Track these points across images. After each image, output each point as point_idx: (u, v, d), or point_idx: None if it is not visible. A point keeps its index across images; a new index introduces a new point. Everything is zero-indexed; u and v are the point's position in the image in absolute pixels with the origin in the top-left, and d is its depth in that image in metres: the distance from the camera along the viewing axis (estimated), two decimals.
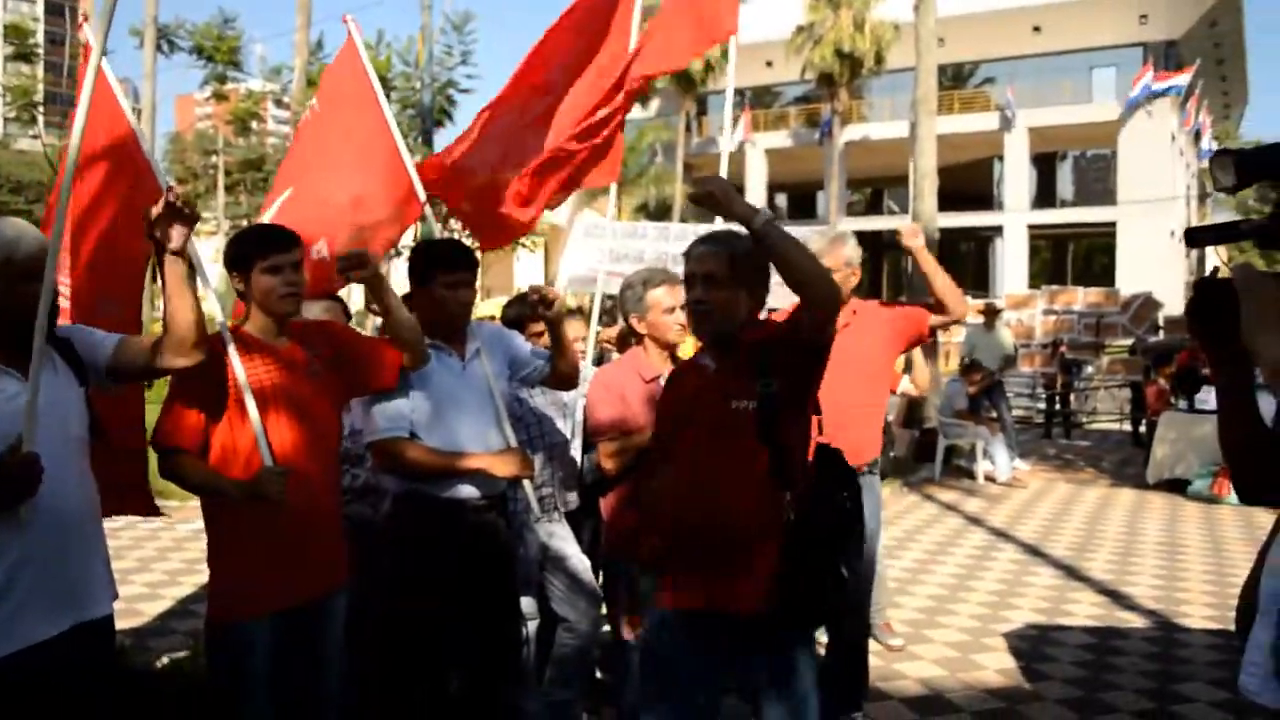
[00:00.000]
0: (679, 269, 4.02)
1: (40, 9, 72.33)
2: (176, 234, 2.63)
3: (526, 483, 3.65)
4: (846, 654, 4.37)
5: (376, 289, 3.26)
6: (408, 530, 3.44)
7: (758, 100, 44.35)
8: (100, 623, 2.69)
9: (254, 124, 34.19)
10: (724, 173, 4.21)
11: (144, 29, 20.85)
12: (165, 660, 4.96)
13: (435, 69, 17.24)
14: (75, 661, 2.59)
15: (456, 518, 3.42)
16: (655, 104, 41.81)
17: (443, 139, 18.02)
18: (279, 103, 34.34)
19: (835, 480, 2.75)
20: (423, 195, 4.05)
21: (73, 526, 2.58)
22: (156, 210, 2.58)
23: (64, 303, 3.28)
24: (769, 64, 39.51)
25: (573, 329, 4.75)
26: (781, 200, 47.20)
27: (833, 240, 4.27)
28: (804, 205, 45.98)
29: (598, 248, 5.15)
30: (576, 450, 4.23)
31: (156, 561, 7.15)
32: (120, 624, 5.39)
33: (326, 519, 3.12)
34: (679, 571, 2.82)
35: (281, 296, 3.03)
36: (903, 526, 8.93)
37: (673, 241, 6.64)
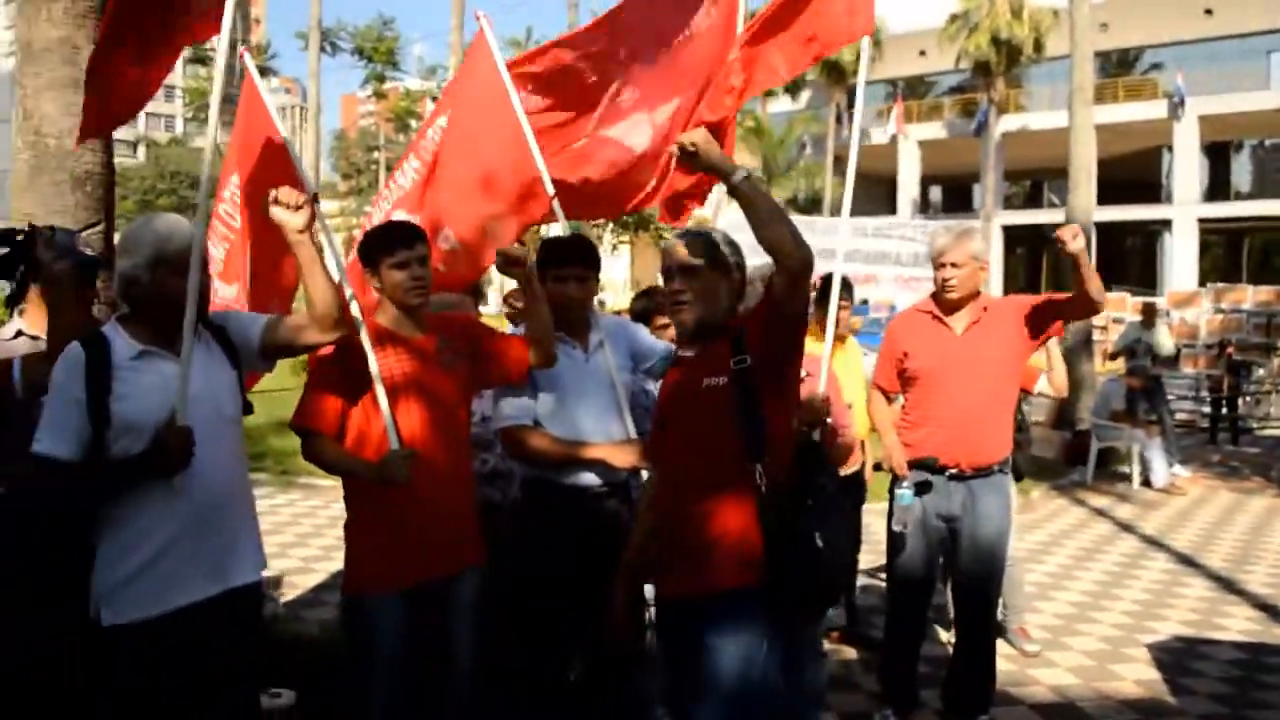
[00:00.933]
0: (838, 264, 4.03)
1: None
2: (297, 217, 2.81)
3: (645, 472, 3.73)
4: (971, 656, 4.31)
5: (528, 287, 3.40)
6: (532, 515, 3.57)
7: (910, 91, 43.41)
8: (247, 589, 2.90)
9: (412, 121, 35.45)
10: (852, 169, 4.19)
11: (309, 32, 21.87)
12: (316, 631, 5.26)
13: None
14: (224, 625, 2.81)
15: (578, 504, 3.53)
16: (805, 96, 41.42)
17: None
18: (435, 100, 35.46)
19: (815, 465, 2.78)
20: (551, 190, 4.16)
21: (223, 499, 2.79)
22: (279, 195, 2.79)
23: (216, 298, 3.54)
24: (922, 53, 38.65)
25: None
26: (936, 193, 46.11)
27: (958, 235, 4.21)
28: (959, 198, 44.79)
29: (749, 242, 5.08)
30: None
31: (312, 537, 7.57)
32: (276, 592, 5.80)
33: (455, 502, 3.26)
34: (666, 562, 2.85)
35: (408, 290, 3.19)
36: (1048, 530, 8.66)
37: (819, 235, 6.60)
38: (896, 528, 4.19)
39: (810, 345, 4.20)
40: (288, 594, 6.05)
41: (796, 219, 5.60)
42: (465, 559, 3.27)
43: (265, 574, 3.02)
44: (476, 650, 3.33)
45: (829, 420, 3.76)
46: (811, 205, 38.33)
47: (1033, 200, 45.29)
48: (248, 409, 3.00)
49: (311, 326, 2.89)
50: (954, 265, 4.17)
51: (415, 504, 3.08)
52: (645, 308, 4.44)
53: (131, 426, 2.62)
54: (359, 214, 44.28)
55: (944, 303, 4.25)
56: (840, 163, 38.65)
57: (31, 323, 3.20)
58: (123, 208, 50.62)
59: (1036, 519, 9.00)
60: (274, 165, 3.71)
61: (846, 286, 5.25)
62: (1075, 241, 3.95)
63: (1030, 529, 8.46)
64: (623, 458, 3.55)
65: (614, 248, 34.03)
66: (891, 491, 4.29)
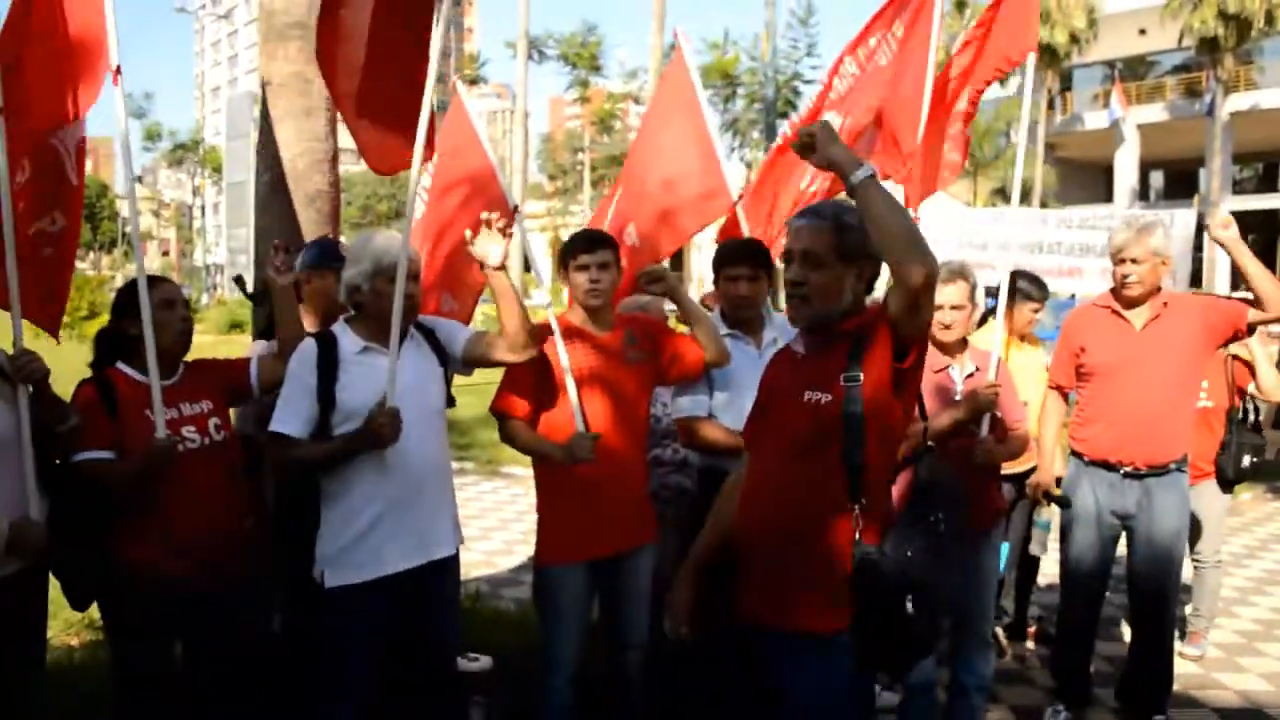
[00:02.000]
0: (1042, 258, 4.09)
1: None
2: (493, 253, 3.17)
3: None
4: (1146, 656, 4.28)
5: (678, 300, 3.68)
6: (706, 502, 3.82)
7: (1130, 72, 41.06)
8: (446, 561, 3.29)
9: (615, 123, 36.35)
10: (1019, 162, 4.25)
11: (517, 41, 22.86)
12: (513, 607, 5.71)
13: (781, 62, 17.64)
14: (426, 591, 3.22)
15: None
16: (1014, 81, 39.84)
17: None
18: (637, 102, 36.28)
19: (928, 503, 2.55)
20: (734, 195, 4.43)
21: (426, 478, 3.20)
22: (477, 234, 3.17)
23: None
24: (1142, 32, 36.50)
25: None
26: (1157, 178, 43.46)
27: (1140, 230, 4.16)
28: (1183, 183, 42.03)
29: (950, 235, 5.11)
30: None
31: (514, 522, 8.08)
32: (478, 572, 6.30)
33: (632, 485, 3.56)
34: (745, 576, 2.56)
35: (586, 292, 3.51)
36: (1256, 534, 8.21)
37: (1017, 227, 6.44)
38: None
39: (983, 340, 4.28)
40: (489, 573, 6.57)
41: (987, 211, 5.60)
42: (640, 537, 3.56)
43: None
44: (651, 622, 3.60)
45: (998, 413, 3.84)
46: (1021, 196, 36.90)
47: (1266, 184, 41.98)
48: (451, 402, 3.42)
49: (503, 346, 3.27)
50: (1134, 261, 4.13)
51: (597, 485, 3.39)
52: None
53: (352, 412, 3.06)
54: (564, 214, 45.87)
55: (1123, 298, 4.22)
56: (1052, 150, 37.10)
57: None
58: (347, 214, 54.14)
59: (1245, 522, 8.55)
60: (479, 183, 4.13)
61: (1038, 284, 5.25)
62: (1225, 230, 3.85)
63: (1238, 532, 8.07)
64: None
65: None
66: (1060, 500, 4.32)
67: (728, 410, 3.76)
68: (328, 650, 3.19)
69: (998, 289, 4.82)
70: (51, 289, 3.46)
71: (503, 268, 3.22)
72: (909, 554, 2.38)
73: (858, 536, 2.35)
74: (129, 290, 3.20)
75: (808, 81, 18.88)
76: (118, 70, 3.20)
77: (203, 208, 79.63)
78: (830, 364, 2.44)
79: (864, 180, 2.26)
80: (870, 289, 2.56)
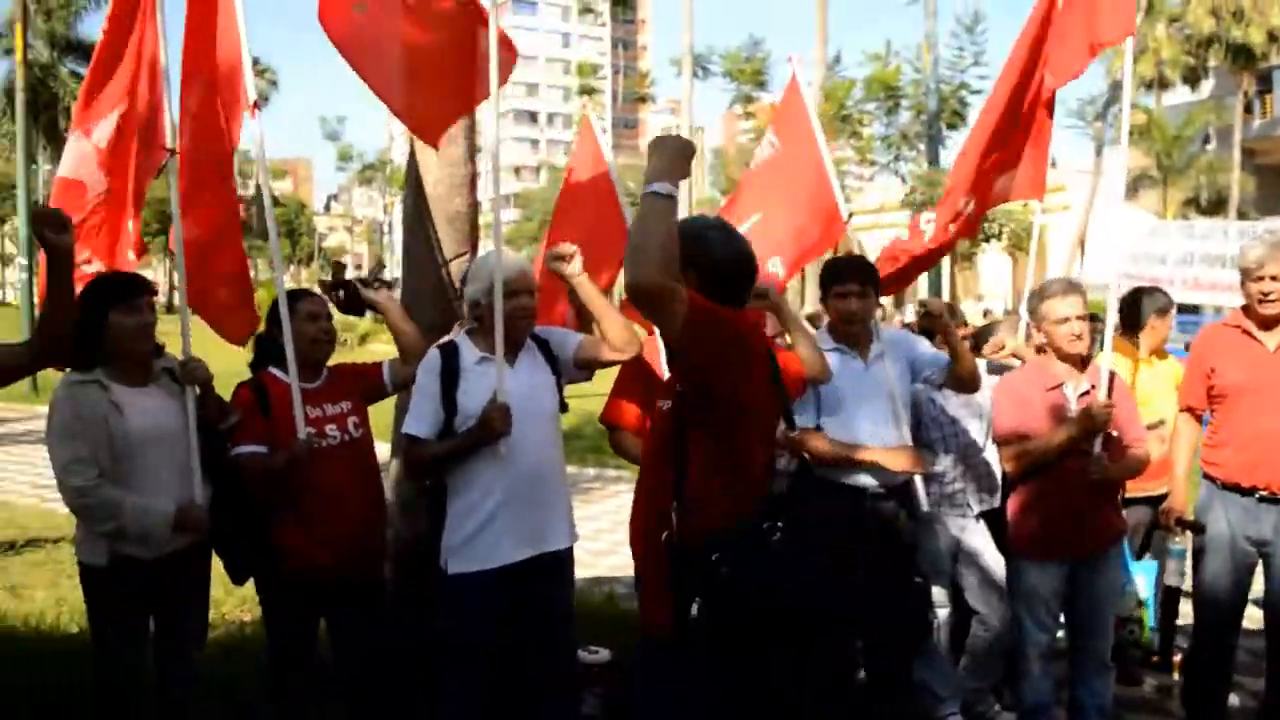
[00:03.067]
0: (1225, 272, 4.02)
1: (607, 44, 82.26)
2: (573, 265, 3.42)
3: (918, 478, 3.97)
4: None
5: (782, 316, 3.81)
6: (810, 510, 3.93)
7: None
8: (560, 554, 3.53)
9: None
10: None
11: (682, 58, 23.23)
12: (634, 605, 5.89)
13: (945, 72, 17.35)
14: (541, 582, 3.46)
15: (855, 502, 3.85)
16: (1207, 85, 37.69)
17: (956, 141, 18.03)
18: None
19: (729, 543, 2.51)
20: (845, 216, 4.54)
21: (540, 476, 3.45)
22: (560, 251, 3.43)
23: None
24: None
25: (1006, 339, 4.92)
26: None
27: (1276, 245, 4.04)
28: None
29: (1125, 248, 4.94)
30: (991, 452, 4.42)
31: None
32: (614, 574, 6.51)
33: None
34: None
35: None
36: None
37: (1200, 241, 6.12)
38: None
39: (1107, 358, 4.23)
40: (613, 573, 6.80)
41: (1176, 223, 5.40)
42: None
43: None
44: None
45: (1113, 432, 3.81)
46: (1216, 206, 34.82)
47: None
48: (564, 408, 3.66)
49: (608, 349, 3.50)
50: (1273, 278, 4.01)
51: None
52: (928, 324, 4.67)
53: (471, 415, 3.35)
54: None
55: (1258, 317, 4.09)
56: (1251, 155, 34.89)
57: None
58: (525, 229, 55.79)
59: None
60: (601, 204, 4.39)
61: (1165, 297, 5.12)
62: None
63: None
64: (897, 462, 3.83)
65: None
66: (1193, 525, 4.22)
67: (835, 422, 3.87)
68: (447, 637, 3.47)
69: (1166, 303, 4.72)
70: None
71: (583, 274, 3.44)
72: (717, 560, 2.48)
73: (672, 530, 2.59)
74: (292, 300, 3.62)
75: (975, 92, 18.40)
76: (255, 104, 3.63)
77: (390, 224, 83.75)
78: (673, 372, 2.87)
79: (644, 194, 2.37)
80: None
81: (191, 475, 3.35)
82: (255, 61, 4.07)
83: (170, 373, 3.43)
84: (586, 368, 3.64)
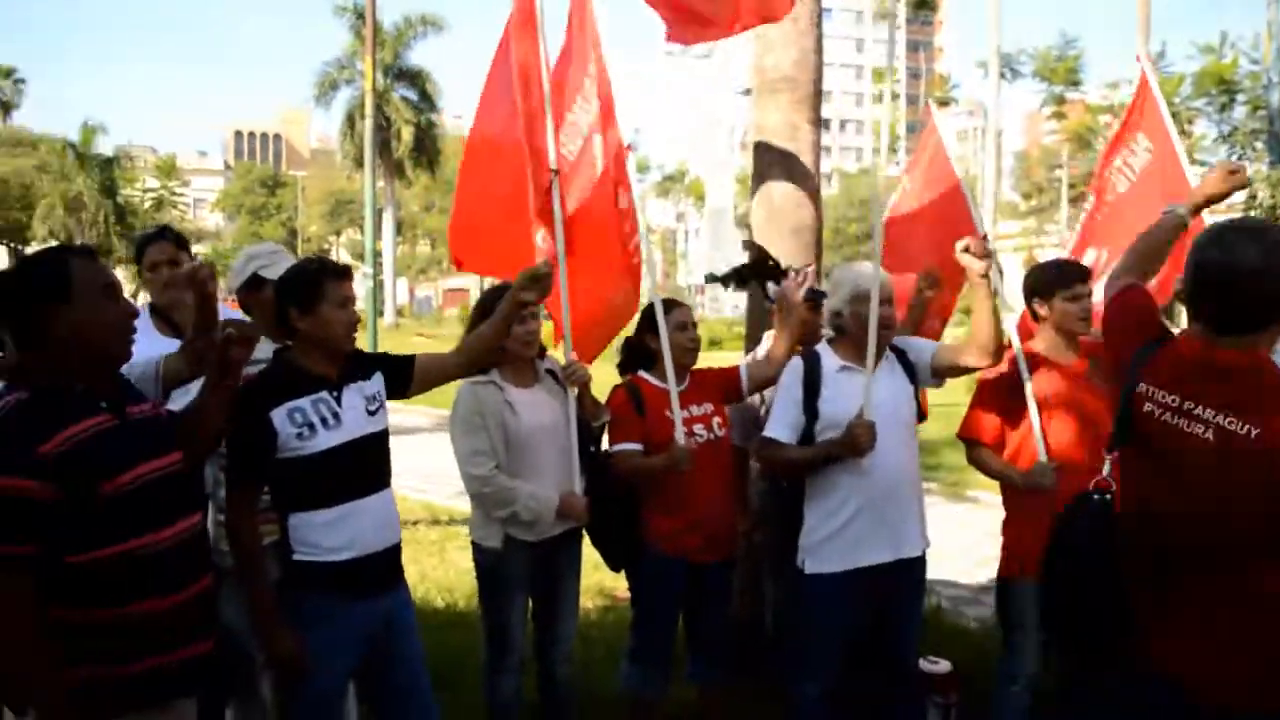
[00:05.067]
0: None
1: (901, 48, 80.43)
2: (982, 264, 3.39)
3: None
4: None
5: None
6: None
7: None
8: (913, 561, 3.60)
9: (1093, 140, 34.29)
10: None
11: (988, 59, 22.46)
12: (973, 625, 5.83)
13: None
14: (894, 586, 3.55)
15: None
16: None
17: None
18: (1115, 115, 33.92)
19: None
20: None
21: (898, 483, 3.53)
22: (970, 245, 3.40)
23: None
24: None
25: None
26: None
27: None
28: None
29: None
30: None
31: (978, 545, 8.08)
32: (941, 589, 6.45)
33: None
34: None
35: (1077, 320, 3.66)
36: None
37: None
38: None
39: None
40: (952, 592, 6.72)
41: None
42: None
43: None
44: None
45: None
46: None
47: None
48: (922, 417, 3.72)
49: (970, 351, 3.51)
50: None
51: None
52: None
53: (832, 422, 3.48)
54: (1039, 233, 43.82)
55: None
56: None
57: None
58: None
59: None
60: (952, 207, 4.39)
61: None
62: None
63: None
64: None
65: None
66: None
67: None
68: (802, 632, 3.62)
69: None
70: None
71: (985, 277, 3.43)
72: None
73: None
74: (650, 311, 3.87)
75: None
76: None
77: (685, 233, 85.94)
78: None
79: None
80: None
81: (572, 467, 3.67)
82: None
83: (552, 374, 3.77)
84: (941, 375, 3.68)
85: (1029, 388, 3.63)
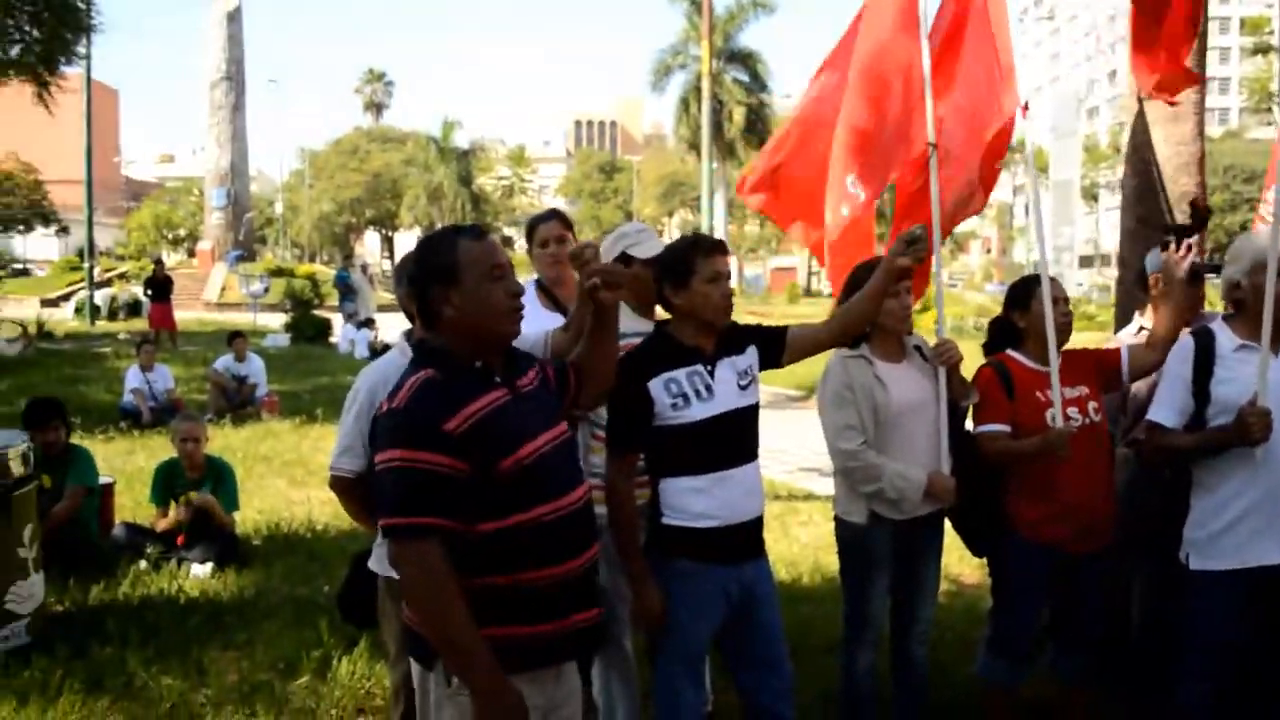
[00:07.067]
0: None
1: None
2: None
3: None
4: None
5: None
6: None
7: None
8: None
9: None
10: None
11: None
12: None
13: None
14: None
15: None
16: None
17: None
18: None
19: None
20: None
21: None
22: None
23: None
24: None
25: None
26: None
27: None
28: None
29: None
30: None
31: None
32: None
33: None
34: None
35: None
36: None
37: None
38: None
39: None
40: None
41: None
42: None
43: None
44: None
45: None
46: None
47: None
48: None
49: None
50: None
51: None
52: None
53: (1227, 406, 3.21)
54: None
55: None
56: None
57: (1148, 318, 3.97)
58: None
59: None
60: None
61: None
62: None
63: None
64: None
65: None
66: None
67: None
68: (1186, 632, 3.38)
69: None
70: None
71: None
72: None
73: None
74: (1023, 285, 3.73)
75: None
76: (1025, 105, 3.73)
77: (1026, 207, 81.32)
78: None
79: None
80: None
81: (941, 446, 3.59)
82: None
83: (920, 350, 3.72)
84: None
85: None
